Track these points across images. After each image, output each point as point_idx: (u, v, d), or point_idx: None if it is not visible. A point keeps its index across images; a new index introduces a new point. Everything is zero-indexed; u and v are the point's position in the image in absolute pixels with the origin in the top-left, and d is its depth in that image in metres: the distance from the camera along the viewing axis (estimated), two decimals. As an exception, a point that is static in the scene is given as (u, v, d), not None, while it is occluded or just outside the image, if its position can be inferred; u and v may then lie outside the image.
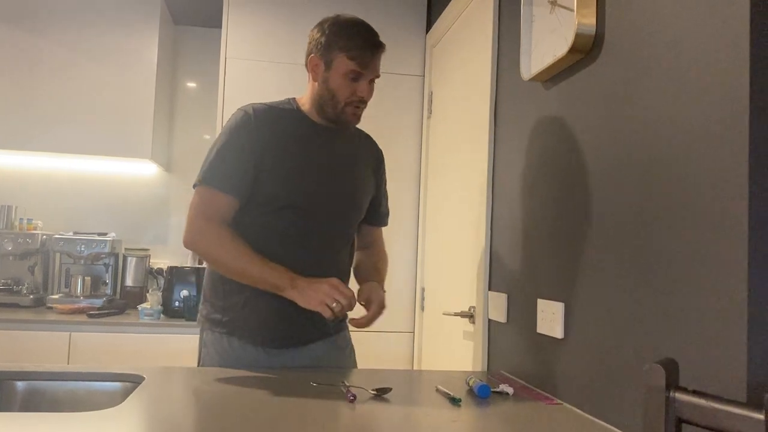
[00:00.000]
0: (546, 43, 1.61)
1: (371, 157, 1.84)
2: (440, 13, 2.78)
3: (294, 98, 1.74)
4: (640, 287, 1.18)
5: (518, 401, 1.42)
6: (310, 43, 1.67)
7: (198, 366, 1.71)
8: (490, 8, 2.09)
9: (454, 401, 1.37)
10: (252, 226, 1.62)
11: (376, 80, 1.69)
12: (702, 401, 0.82)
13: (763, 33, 0.95)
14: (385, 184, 1.91)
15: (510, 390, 1.48)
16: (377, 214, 1.88)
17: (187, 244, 1.61)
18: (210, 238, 1.58)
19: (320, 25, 1.66)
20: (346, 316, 1.75)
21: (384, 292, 1.71)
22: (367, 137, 1.87)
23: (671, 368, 0.87)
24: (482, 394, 1.43)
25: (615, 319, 1.26)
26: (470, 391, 1.48)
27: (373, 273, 1.80)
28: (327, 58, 1.62)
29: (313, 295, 1.48)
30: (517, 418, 1.27)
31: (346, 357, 1.79)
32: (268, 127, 1.63)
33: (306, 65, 1.68)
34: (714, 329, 0.98)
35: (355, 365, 1.82)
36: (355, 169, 1.76)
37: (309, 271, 1.57)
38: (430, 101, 2.91)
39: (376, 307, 1.63)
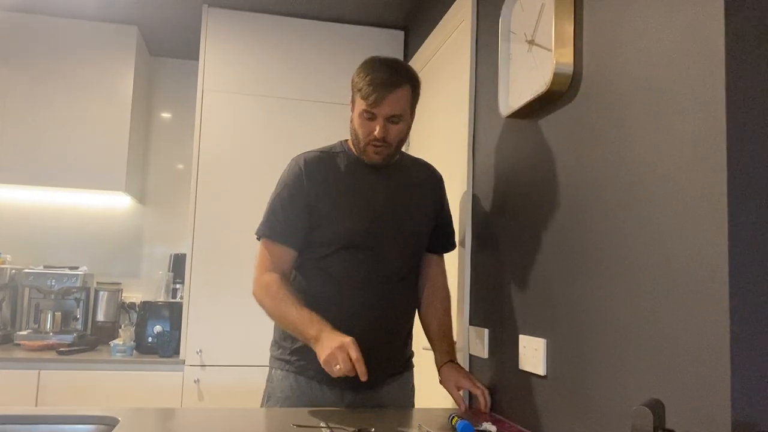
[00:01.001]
0: (524, 80, 1.63)
1: (429, 185, 1.83)
2: (417, 49, 2.82)
3: (346, 140, 1.77)
4: (624, 325, 1.19)
5: (502, 440, 1.40)
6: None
7: (262, 401, 1.72)
8: (468, 45, 2.12)
9: None
10: (313, 269, 1.68)
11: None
12: (690, 444, 0.82)
13: (739, 77, 0.97)
14: (449, 210, 1.88)
15: (493, 428, 1.46)
16: (442, 240, 1.85)
17: (256, 297, 1.67)
18: (263, 288, 1.64)
19: (358, 67, 1.70)
20: (411, 353, 1.82)
21: (465, 371, 1.76)
22: (425, 165, 1.87)
23: (658, 410, 0.87)
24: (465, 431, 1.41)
25: (599, 356, 1.26)
26: (452, 429, 1.46)
27: (441, 339, 1.79)
28: (353, 98, 1.67)
29: (324, 352, 1.46)
30: (502, 459, 1.25)
31: (407, 396, 1.80)
32: (319, 173, 1.67)
33: None
34: (698, 369, 0.99)
35: (413, 404, 1.82)
36: (412, 201, 1.75)
37: (370, 310, 1.64)
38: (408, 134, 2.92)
39: (481, 394, 1.71)
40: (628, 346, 1.16)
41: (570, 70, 1.43)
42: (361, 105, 1.61)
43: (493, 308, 1.81)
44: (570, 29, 1.45)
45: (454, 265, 2.10)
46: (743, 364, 0.93)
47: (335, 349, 1.44)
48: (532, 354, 1.53)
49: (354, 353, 1.43)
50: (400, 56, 3.08)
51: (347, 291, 1.65)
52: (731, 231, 0.94)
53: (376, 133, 1.61)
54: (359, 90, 1.61)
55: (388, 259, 1.68)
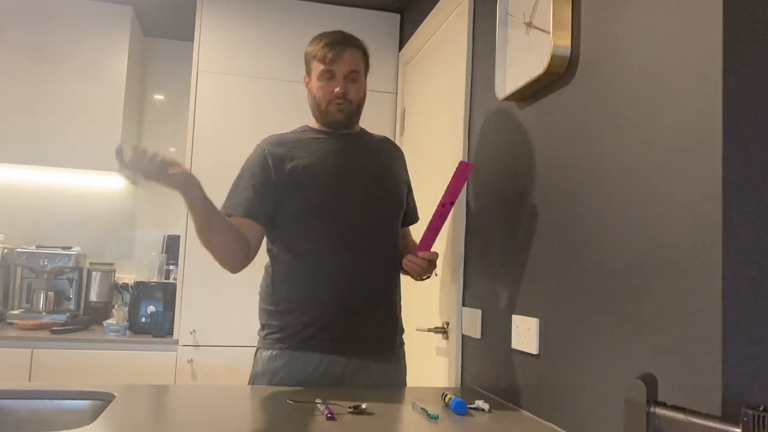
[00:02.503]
0: (521, 63, 1.64)
1: (396, 156, 1.90)
2: (413, 32, 2.81)
3: (306, 125, 1.84)
4: (615, 303, 1.21)
5: (495, 417, 1.43)
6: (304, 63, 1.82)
7: (248, 383, 1.74)
8: (465, 27, 2.12)
9: (431, 417, 1.37)
10: (292, 241, 1.71)
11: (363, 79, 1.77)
12: (681, 416, 0.85)
13: (737, 65, 0.99)
14: (409, 183, 1.94)
15: (486, 406, 1.49)
16: (410, 213, 1.93)
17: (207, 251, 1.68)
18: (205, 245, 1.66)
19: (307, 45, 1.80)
20: (401, 330, 1.83)
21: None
22: (387, 139, 1.93)
23: (651, 384, 0.89)
24: (458, 410, 1.43)
25: (591, 335, 1.28)
26: (446, 407, 1.48)
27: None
28: (309, 69, 1.78)
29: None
30: (495, 434, 1.28)
31: (399, 375, 1.81)
32: (283, 149, 1.72)
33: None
34: (689, 344, 1.01)
35: (405, 383, 1.84)
36: (382, 169, 1.80)
37: (352, 273, 1.68)
38: (403, 118, 2.93)
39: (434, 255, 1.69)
40: (620, 324, 1.19)
41: (567, 52, 1.45)
42: (318, 68, 1.71)
43: (486, 289, 1.83)
44: (568, 12, 1.45)
45: (447, 246, 2.12)
46: (734, 339, 0.95)
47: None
48: (525, 333, 1.55)
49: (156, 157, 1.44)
50: (395, 39, 3.08)
51: (327, 256, 1.68)
52: (726, 212, 0.96)
53: (337, 89, 1.70)
54: (315, 56, 1.72)
55: (363, 229, 1.71)
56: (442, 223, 1.66)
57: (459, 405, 1.44)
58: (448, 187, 1.64)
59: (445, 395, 1.51)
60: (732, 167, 0.97)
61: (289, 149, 1.72)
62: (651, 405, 0.86)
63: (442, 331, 2.12)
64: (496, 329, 1.74)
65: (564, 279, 1.40)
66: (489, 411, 1.48)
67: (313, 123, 1.82)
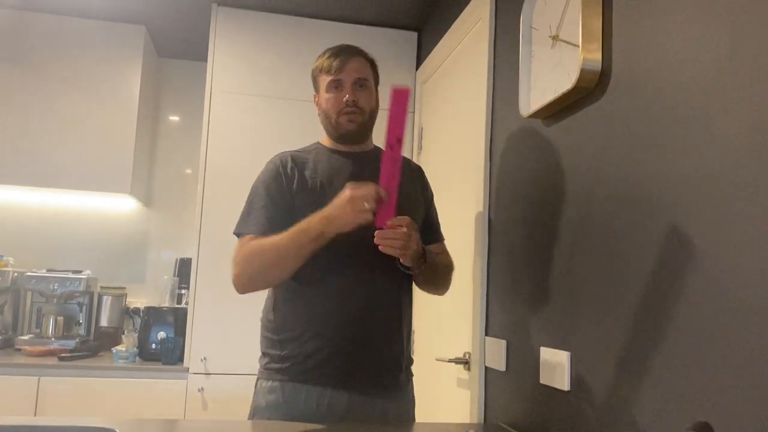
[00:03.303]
0: (547, 78, 1.55)
1: (412, 175, 1.77)
2: (431, 50, 2.74)
3: (317, 141, 1.77)
4: (657, 335, 1.10)
5: (523, 460, 1.32)
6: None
7: (249, 415, 1.64)
8: (485, 43, 2.04)
9: None
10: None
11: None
12: (747, 475, 0.73)
13: (793, 69, 0.89)
14: (433, 201, 1.83)
15: None
16: (432, 231, 1.79)
17: (238, 281, 1.58)
18: (243, 260, 1.56)
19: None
20: (410, 362, 1.70)
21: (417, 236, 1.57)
22: (404, 159, 1.77)
23: (709, 436, 0.78)
24: None
25: (630, 372, 1.17)
26: None
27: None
28: (316, 86, 1.72)
29: (344, 213, 1.43)
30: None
31: (407, 409, 1.68)
32: (295, 166, 1.64)
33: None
34: (750, 388, 0.90)
35: (413, 418, 1.71)
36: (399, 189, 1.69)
37: (357, 300, 1.58)
38: (421, 137, 2.85)
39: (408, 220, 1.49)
40: (664, 361, 1.07)
41: (598, 66, 1.35)
42: (325, 80, 1.65)
43: (512, 318, 1.72)
44: (598, 23, 1.36)
45: (469, 271, 2.01)
46: (801, 384, 0.84)
47: (351, 197, 1.42)
48: (555, 367, 1.44)
49: (365, 187, 1.42)
50: (413, 58, 3.01)
51: (330, 282, 1.58)
52: (785, 237, 0.86)
53: (346, 97, 1.63)
54: (321, 70, 1.67)
55: (370, 248, 1.54)
56: (398, 169, 1.45)
57: None
58: (388, 122, 1.42)
59: None
60: (793, 189, 0.87)
61: (300, 166, 1.64)
62: (710, 461, 0.76)
63: (464, 362, 2.00)
64: (523, 362, 1.63)
65: (598, 309, 1.29)
66: None
67: (324, 139, 1.73)
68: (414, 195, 1.74)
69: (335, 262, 1.57)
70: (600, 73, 1.35)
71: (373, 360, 1.59)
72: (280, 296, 1.64)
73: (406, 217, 1.49)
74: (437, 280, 1.73)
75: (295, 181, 1.61)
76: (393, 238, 1.46)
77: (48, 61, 3.02)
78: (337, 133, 1.68)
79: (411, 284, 1.71)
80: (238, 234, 1.62)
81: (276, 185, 1.62)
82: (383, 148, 1.57)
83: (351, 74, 1.64)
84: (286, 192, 1.61)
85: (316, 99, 1.73)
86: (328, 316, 1.57)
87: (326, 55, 1.68)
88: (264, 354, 1.66)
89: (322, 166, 1.65)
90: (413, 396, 1.72)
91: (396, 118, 1.43)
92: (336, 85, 1.64)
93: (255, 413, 1.61)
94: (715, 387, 0.96)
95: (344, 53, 1.66)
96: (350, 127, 1.65)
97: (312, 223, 1.48)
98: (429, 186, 1.84)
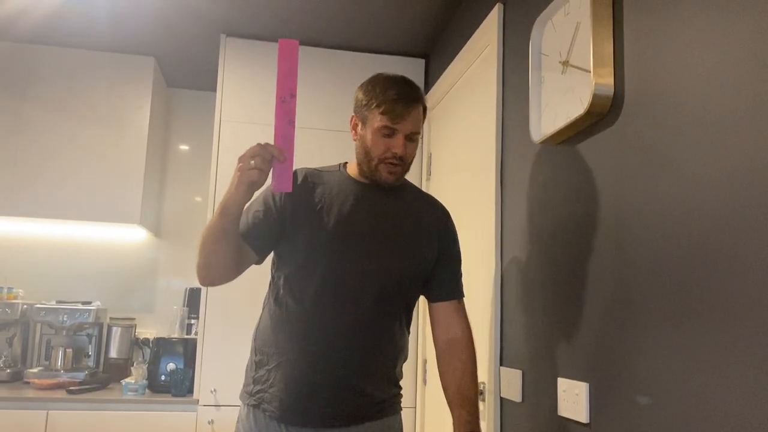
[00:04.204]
0: (558, 104, 1.53)
1: (431, 220, 1.66)
2: (439, 76, 2.74)
3: (346, 162, 1.68)
4: (681, 371, 1.06)
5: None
6: (354, 102, 1.62)
7: None
8: (494, 70, 2.03)
9: None
10: (280, 290, 1.57)
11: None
12: None
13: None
14: (456, 251, 1.69)
15: None
16: (441, 284, 1.65)
17: (197, 273, 1.52)
18: (199, 247, 1.48)
19: (362, 84, 1.61)
20: (396, 394, 1.62)
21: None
22: (431, 199, 1.73)
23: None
24: None
25: (650, 402, 1.13)
26: None
27: (460, 406, 1.58)
28: (363, 115, 1.57)
29: (235, 175, 1.34)
30: None
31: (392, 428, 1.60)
32: (302, 187, 1.57)
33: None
34: (778, 424, 0.86)
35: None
36: (404, 231, 1.60)
37: (337, 343, 1.49)
38: (429, 163, 2.83)
39: None
40: (687, 394, 1.04)
41: (610, 91, 1.34)
42: (380, 121, 1.51)
43: (527, 347, 1.68)
44: (609, 47, 1.35)
45: (482, 300, 1.98)
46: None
47: (245, 156, 1.33)
48: (573, 399, 1.40)
49: (257, 148, 1.33)
50: (420, 85, 3.00)
51: (315, 317, 1.50)
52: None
53: (396, 150, 1.52)
54: (377, 106, 1.52)
55: (364, 285, 1.52)
56: (292, 125, 1.37)
57: None
58: (278, 76, 1.33)
59: None
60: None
61: (311, 188, 1.58)
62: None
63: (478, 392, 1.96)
64: (540, 393, 1.59)
65: (617, 337, 1.26)
66: None
67: (352, 166, 1.64)
68: (425, 246, 1.63)
69: (317, 298, 1.51)
70: (612, 97, 1.34)
71: (346, 404, 1.51)
72: (264, 315, 1.61)
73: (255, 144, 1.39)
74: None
75: (297, 202, 1.54)
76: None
77: (58, 93, 3.04)
78: (371, 178, 1.58)
79: (410, 316, 1.65)
80: None
81: (270, 201, 1.56)
82: (407, 182, 1.55)
83: (408, 127, 1.52)
84: (278, 208, 1.54)
85: (356, 125, 1.59)
86: (299, 354, 1.50)
87: (391, 94, 1.52)
88: (245, 374, 1.63)
89: (332, 194, 1.57)
90: (400, 427, 1.64)
91: (287, 71, 1.34)
92: (389, 133, 1.52)
93: None
94: (742, 422, 0.92)
95: (409, 102, 1.52)
96: (389, 179, 1.56)
97: (222, 202, 1.40)
98: (452, 238, 1.69)
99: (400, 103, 1.51)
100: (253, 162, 1.32)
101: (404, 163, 1.56)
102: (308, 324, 1.51)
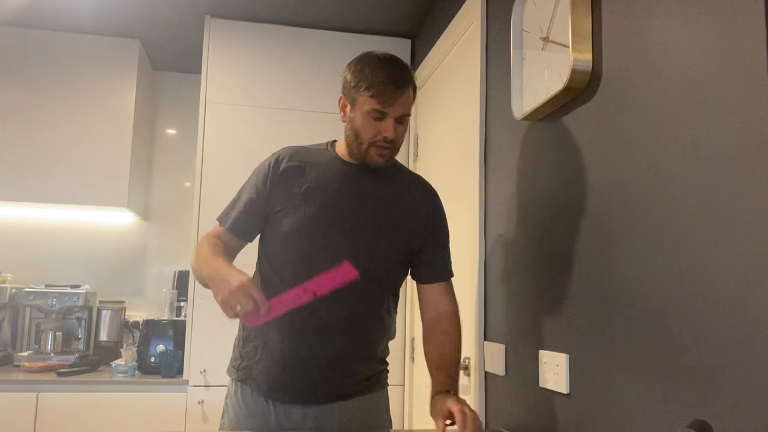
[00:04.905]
0: (539, 80, 1.55)
1: (420, 202, 1.65)
2: (424, 56, 2.74)
3: (335, 140, 1.66)
4: (656, 335, 1.09)
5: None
6: (342, 83, 1.58)
7: (221, 417, 1.62)
8: (477, 48, 2.04)
9: None
10: (267, 267, 1.59)
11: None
12: (746, 473, 0.72)
13: (781, 62, 0.88)
14: (444, 232, 1.68)
15: None
16: (430, 267, 1.64)
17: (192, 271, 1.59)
18: (195, 255, 1.55)
19: (350, 63, 1.57)
20: (382, 371, 1.64)
21: (457, 398, 1.44)
22: (419, 180, 1.71)
23: (706, 433, 0.77)
24: None
25: (629, 373, 1.16)
26: None
27: (439, 369, 1.55)
28: (351, 97, 1.53)
29: (220, 291, 1.35)
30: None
31: (376, 417, 1.61)
32: (288, 168, 1.57)
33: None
34: (749, 388, 0.89)
35: (389, 426, 1.65)
36: (392, 213, 1.59)
37: (323, 322, 1.50)
38: (416, 144, 2.85)
39: (460, 417, 1.34)
40: (665, 361, 1.06)
41: (589, 66, 1.35)
42: (369, 104, 1.48)
43: (510, 322, 1.71)
44: (588, 24, 1.36)
45: (467, 277, 2.00)
46: (799, 380, 0.83)
47: (234, 289, 1.32)
48: (554, 370, 1.43)
49: (257, 294, 1.32)
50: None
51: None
52: (779, 231, 0.85)
53: (387, 133, 1.49)
54: (366, 88, 1.48)
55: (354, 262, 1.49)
56: (295, 305, 1.38)
57: None
58: (323, 279, 1.37)
59: None
60: (785, 182, 0.86)
61: (297, 168, 1.57)
62: (709, 459, 0.74)
63: (463, 367, 1.99)
64: (522, 366, 1.62)
65: (596, 310, 1.28)
66: None
67: (341, 146, 1.62)
68: (410, 228, 1.62)
69: (302, 277, 1.48)
70: (591, 73, 1.35)
71: (327, 382, 1.53)
72: None
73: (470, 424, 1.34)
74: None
75: (282, 183, 1.55)
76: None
77: (43, 76, 3.03)
78: (360, 159, 1.57)
79: (397, 296, 1.66)
80: (219, 221, 1.62)
81: (256, 186, 1.58)
82: (396, 164, 1.57)
83: (398, 110, 1.49)
84: (263, 194, 1.56)
85: (346, 106, 1.56)
86: (284, 327, 1.51)
87: (380, 76, 1.47)
88: (233, 348, 1.66)
89: (318, 174, 1.57)
90: (386, 403, 1.66)
91: (330, 281, 1.38)
92: (378, 117, 1.49)
93: (224, 413, 1.61)
94: (713, 385, 0.94)
95: (399, 85, 1.48)
96: (380, 162, 1.54)
97: (211, 269, 1.43)
98: (440, 219, 1.68)
99: (390, 85, 1.47)
100: (238, 308, 1.32)
101: (394, 145, 1.54)
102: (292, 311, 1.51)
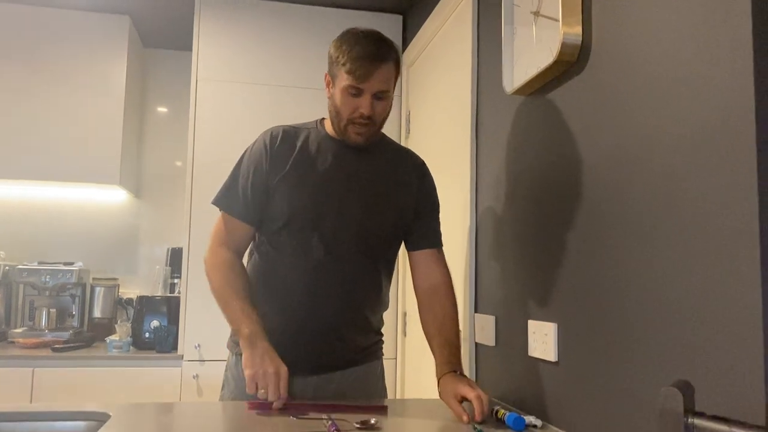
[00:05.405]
0: (529, 54, 1.56)
1: (409, 174, 1.67)
2: (415, 33, 2.74)
3: (323, 118, 1.67)
4: (642, 303, 1.12)
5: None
6: (328, 59, 1.59)
7: (221, 389, 1.65)
8: (468, 23, 2.05)
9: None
10: (266, 247, 1.61)
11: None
12: (723, 427, 0.75)
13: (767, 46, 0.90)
14: (433, 201, 1.71)
15: (539, 422, 1.38)
16: (420, 234, 1.66)
17: (205, 263, 1.63)
18: (215, 262, 1.59)
19: (335, 39, 1.57)
20: (377, 341, 1.69)
21: (468, 380, 1.46)
22: (406, 153, 1.73)
23: (688, 392, 0.80)
24: (516, 426, 1.32)
25: (616, 339, 1.19)
26: (498, 423, 1.37)
27: (442, 347, 1.56)
28: (333, 73, 1.54)
29: (251, 365, 1.40)
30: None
31: (372, 386, 1.66)
32: (281, 148, 1.58)
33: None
34: (727, 349, 0.92)
35: (384, 394, 1.70)
36: (382, 187, 1.62)
37: (321, 293, 1.53)
38: (408, 121, 2.86)
39: (478, 404, 1.36)
40: (648, 327, 1.09)
41: (579, 40, 1.36)
42: (345, 80, 1.49)
43: (500, 294, 1.74)
44: (578, -3, 1.37)
45: (458, 251, 2.03)
46: (777, 340, 0.86)
47: (269, 372, 1.38)
48: (543, 339, 1.46)
49: (284, 386, 1.39)
50: (398, 42, 3.01)
51: (297, 271, 1.55)
52: (762, 204, 0.87)
53: (363, 110, 1.50)
54: (343, 64, 1.48)
55: (343, 242, 1.56)
56: (310, 411, 1.40)
57: (517, 421, 1.32)
58: (344, 408, 1.43)
59: (497, 410, 1.40)
60: (767, 150, 0.88)
61: (289, 146, 1.59)
62: (689, 415, 0.77)
63: (455, 339, 2.02)
64: (512, 336, 1.65)
65: (584, 280, 1.31)
66: (542, 427, 1.38)
67: (327, 122, 1.64)
68: (401, 198, 1.65)
69: (300, 256, 1.55)
70: (580, 46, 1.37)
71: (325, 352, 1.57)
72: (251, 268, 1.64)
73: (480, 404, 1.36)
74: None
75: (277, 162, 1.57)
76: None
77: (33, 53, 3.01)
78: (341, 137, 1.58)
79: (391, 268, 1.69)
80: (218, 206, 1.62)
81: (257, 169, 1.58)
82: (387, 137, 1.56)
83: (374, 86, 1.49)
84: (264, 176, 1.57)
85: (329, 82, 1.57)
86: (282, 302, 1.56)
87: (353, 54, 1.47)
88: None
89: (310, 151, 1.59)
90: (382, 372, 1.71)
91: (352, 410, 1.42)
92: (354, 93, 1.50)
93: (224, 385, 1.64)
94: (695, 348, 0.98)
95: (372, 61, 1.47)
96: (358, 140, 1.56)
97: (247, 325, 1.46)
98: (429, 188, 1.70)
99: (365, 61, 1.47)
100: (263, 392, 1.39)
101: (373, 122, 1.54)
102: (291, 279, 1.56)
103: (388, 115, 1.59)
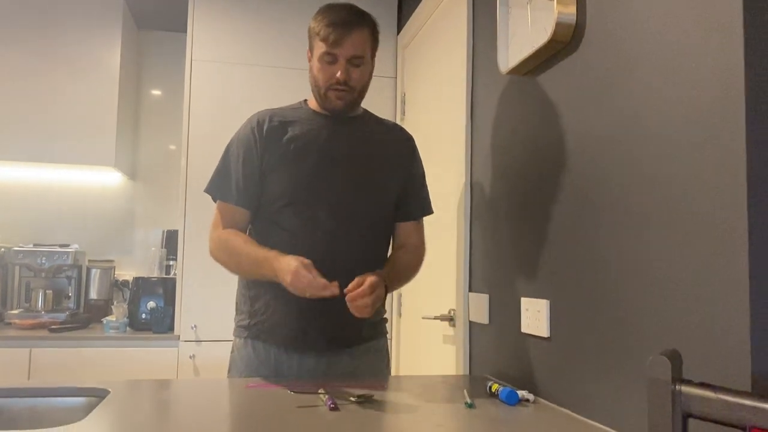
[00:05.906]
0: (524, 34, 1.57)
1: (396, 147, 1.72)
2: (411, 14, 2.74)
3: (306, 99, 1.72)
4: (631, 280, 1.14)
5: (540, 409, 1.36)
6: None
7: (228, 372, 1.68)
8: (464, 4, 2.05)
9: (470, 406, 1.31)
10: (265, 225, 1.63)
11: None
12: (710, 394, 0.78)
13: (758, 19, 0.92)
14: (420, 174, 1.76)
15: (531, 396, 1.41)
16: (407, 207, 1.71)
17: (213, 257, 1.64)
18: (217, 243, 1.62)
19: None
20: (382, 319, 1.71)
21: (382, 283, 1.48)
22: (394, 126, 1.78)
23: (675, 360, 0.82)
24: (510, 400, 1.35)
25: (606, 314, 1.22)
26: (491, 398, 1.40)
27: (386, 266, 1.61)
28: (311, 45, 1.61)
29: (287, 277, 1.41)
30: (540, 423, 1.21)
31: (380, 363, 1.70)
32: (270, 128, 1.61)
33: None
34: (714, 318, 0.94)
35: (388, 373, 1.73)
36: (371, 160, 1.65)
37: (324, 267, 1.51)
38: (403, 102, 2.86)
39: (356, 281, 1.42)
40: (637, 300, 1.12)
41: (573, 19, 1.38)
42: (320, 48, 1.55)
43: (493, 272, 1.76)
44: (572, -23, 1.38)
45: (452, 231, 2.05)
46: (763, 313, 0.88)
47: (296, 271, 1.39)
48: (535, 316, 1.48)
49: (316, 274, 1.39)
50: (393, 23, 3.01)
51: (300, 247, 1.55)
52: (751, 178, 0.89)
53: (338, 75, 1.55)
54: (317, 33, 1.55)
55: (343, 214, 1.58)
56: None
57: (511, 395, 1.35)
58: None
59: (491, 385, 1.43)
60: (756, 131, 0.90)
61: (279, 126, 1.61)
62: (677, 383, 0.79)
63: (449, 318, 2.05)
64: (505, 313, 1.67)
65: (575, 256, 1.33)
66: (534, 401, 1.40)
67: (312, 100, 1.68)
68: (392, 169, 1.69)
69: (302, 231, 1.57)
70: (575, 26, 1.38)
71: (337, 326, 1.57)
72: None
73: (366, 281, 1.42)
74: (402, 283, 1.71)
75: (269, 144, 1.59)
76: (361, 306, 1.41)
77: (27, 34, 2.99)
78: (323, 105, 1.63)
79: (390, 234, 1.72)
80: (211, 196, 1.64)
81: (248, 154, 1.60)
82: (372, 113, 1.56)
83: (347, 50, 1.54)
84: (257, 160, 1.59)
85: (309, 56, 1.63)
86: None
87: (325, 21, 1.54)
88: (237, 310, 1.70)
89: (303, 129, 1.62)
90: (387, 351, 1.74)
91: None
92: (329, 60, 1.55)
93: (231, 368, 1.66)
94: (683, 320, 1.00)
95: (344, 26, 1.53)
96: (337, 105, 1.60)
97: (266, 266, 1.48)
98: (417, 161, 1.76)
99: (337, 27, 1.53)
100: (307, 293, 1.41)
101: (352, 89, 1.59)
102: (301, 254, 1.53)
103: (367, 83, 1.63)
